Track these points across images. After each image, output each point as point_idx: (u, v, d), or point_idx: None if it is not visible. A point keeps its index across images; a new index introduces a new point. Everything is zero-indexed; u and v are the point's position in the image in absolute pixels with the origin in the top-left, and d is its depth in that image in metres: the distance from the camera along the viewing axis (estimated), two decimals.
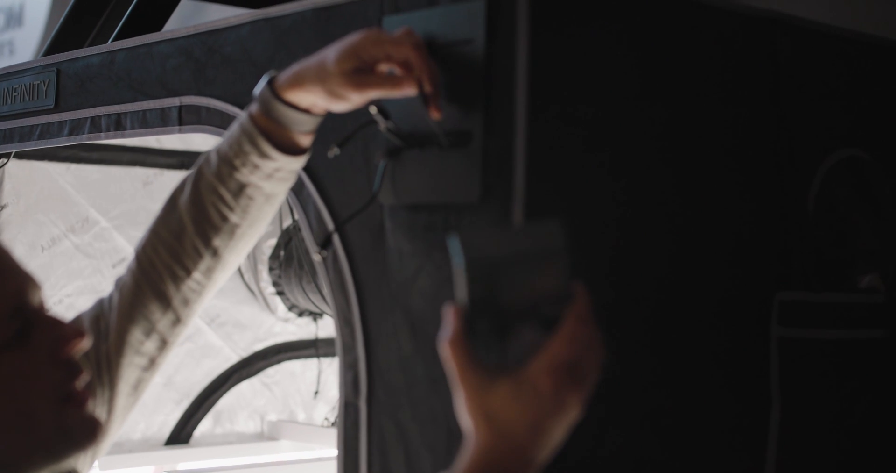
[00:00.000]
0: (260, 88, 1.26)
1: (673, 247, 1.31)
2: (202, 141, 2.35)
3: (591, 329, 0.93)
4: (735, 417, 1.37)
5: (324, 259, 1.34)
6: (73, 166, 2.34)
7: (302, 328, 2.68)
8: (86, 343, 1.07)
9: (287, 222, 2.54)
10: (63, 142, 1.82)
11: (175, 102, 1.59)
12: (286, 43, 1.43)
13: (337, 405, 2.72)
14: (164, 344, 1.34)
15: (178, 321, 1.33)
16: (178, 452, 2.49)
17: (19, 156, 2.19)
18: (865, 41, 1.59)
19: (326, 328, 2.69)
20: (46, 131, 1.85)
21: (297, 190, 1.39)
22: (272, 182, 1.29)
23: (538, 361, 0.92)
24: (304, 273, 2.48)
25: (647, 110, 1.29)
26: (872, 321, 1.46)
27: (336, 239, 1.33)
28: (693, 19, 1.35)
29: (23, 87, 1.92)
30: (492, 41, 1.18)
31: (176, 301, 1.32)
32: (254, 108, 1.26)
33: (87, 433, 1.07)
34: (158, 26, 2.14)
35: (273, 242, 2.56)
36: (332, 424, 2.65)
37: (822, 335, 1.41)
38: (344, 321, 1.33)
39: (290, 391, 2.68)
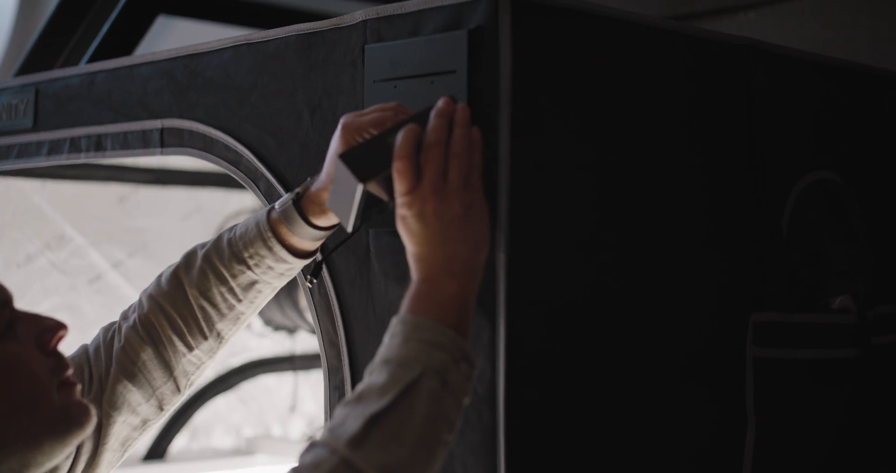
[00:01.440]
0: (284, 202, 1.29)
1: (648, 269, 1.33)
2: (177, 158, 2.35)
3: (416, 163, 1.12)
4: (711, 437, 1.39)
5: (312, 287, 1.35)
6: (49, 183, 2.34)
7: (277, 344, 2.68)
8: (66, 334, 1.12)
9: None
10: (42, 162, 1.81)
11: (157, 124, 1.59)
12: (269, 68, 1.44)
13: (313, 420, 2.74)
14: (160, 410, 1.36)
15: (176, 390, 1.36)
16: (154, 468, 2.49)
17: None
18: (836, 66, 1.62)
19: (302, 343, 2.70)
20: (25, 151, 1.84)
21: None
22: (282, 279, 1.34)
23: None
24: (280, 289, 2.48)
25: (626, 137, 1.31)
26: (845, 340, 1.49)
27: None
28: (670, 47, 1.38)
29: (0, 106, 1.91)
30: (475, 72, 1.19)
31: (177, 371, 1.35)
32: (276, 215, 1.29)
33: (83, 413, 1.11)
34: (133, 44, 2.14)
35: None
36: (309, 439, 2.66)
37: (796, 355, 1.43)
38: (329, 344, 1.34)
39: (266, 406, 2.69)
